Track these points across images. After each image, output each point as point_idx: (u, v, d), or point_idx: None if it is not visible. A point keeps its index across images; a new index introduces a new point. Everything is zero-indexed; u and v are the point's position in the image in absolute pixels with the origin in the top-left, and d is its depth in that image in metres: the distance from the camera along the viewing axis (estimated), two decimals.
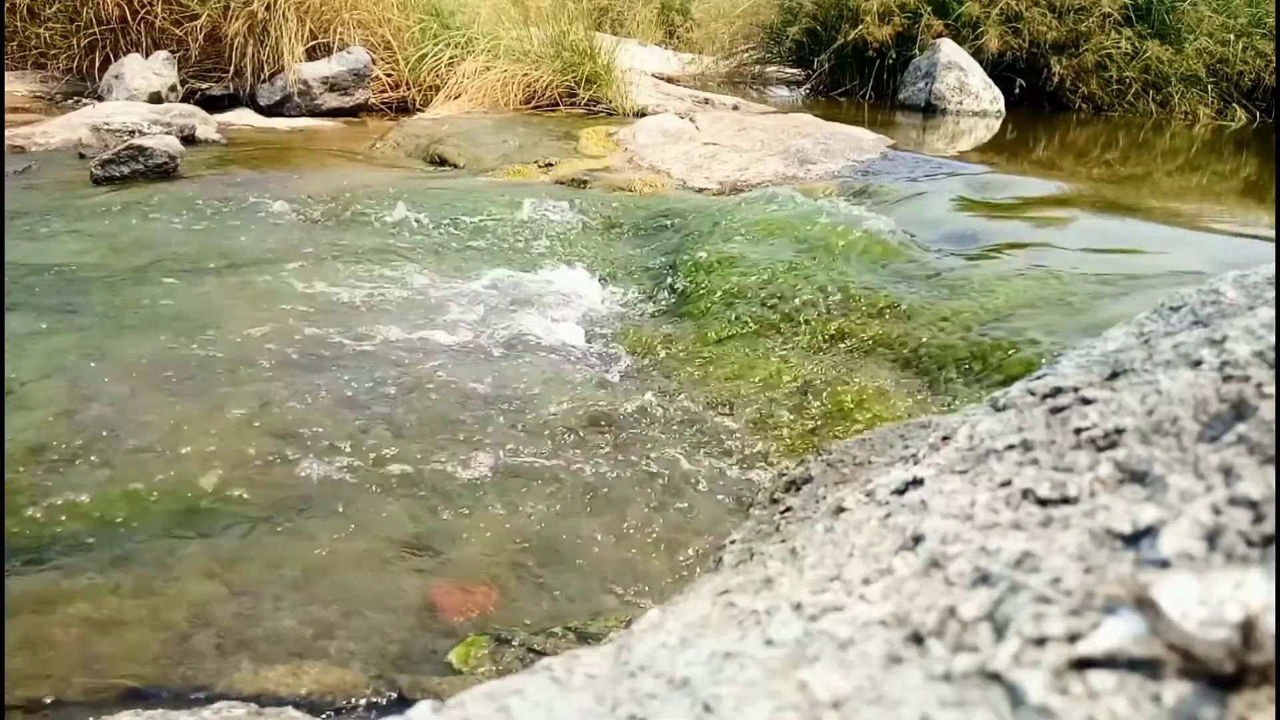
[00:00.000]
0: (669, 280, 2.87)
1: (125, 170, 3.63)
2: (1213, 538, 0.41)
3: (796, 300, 2.56)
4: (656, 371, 2.33)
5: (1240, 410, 0.50)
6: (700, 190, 3.92)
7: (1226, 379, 0.53)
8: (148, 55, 5.19)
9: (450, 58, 5.65)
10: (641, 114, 5.35)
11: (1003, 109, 6.21)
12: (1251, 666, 0.35)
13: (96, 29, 5.28)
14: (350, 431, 1.93)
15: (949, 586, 0.47)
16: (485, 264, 3.01)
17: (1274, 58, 6.18)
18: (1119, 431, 0.54)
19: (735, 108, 5.83)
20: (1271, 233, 3.16)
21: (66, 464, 1.74)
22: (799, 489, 0.85)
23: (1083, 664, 0.38)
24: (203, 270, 2.80)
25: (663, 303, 2.78)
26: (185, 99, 5.14)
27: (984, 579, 0.46)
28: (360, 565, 1.53)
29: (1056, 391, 0.64)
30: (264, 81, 5.42)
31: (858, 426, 1.98)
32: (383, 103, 5.61)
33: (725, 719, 0.42)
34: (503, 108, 5.48)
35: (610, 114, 5.43)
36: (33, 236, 2.96)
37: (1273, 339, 0.55)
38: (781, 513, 0.82)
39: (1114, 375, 0.62)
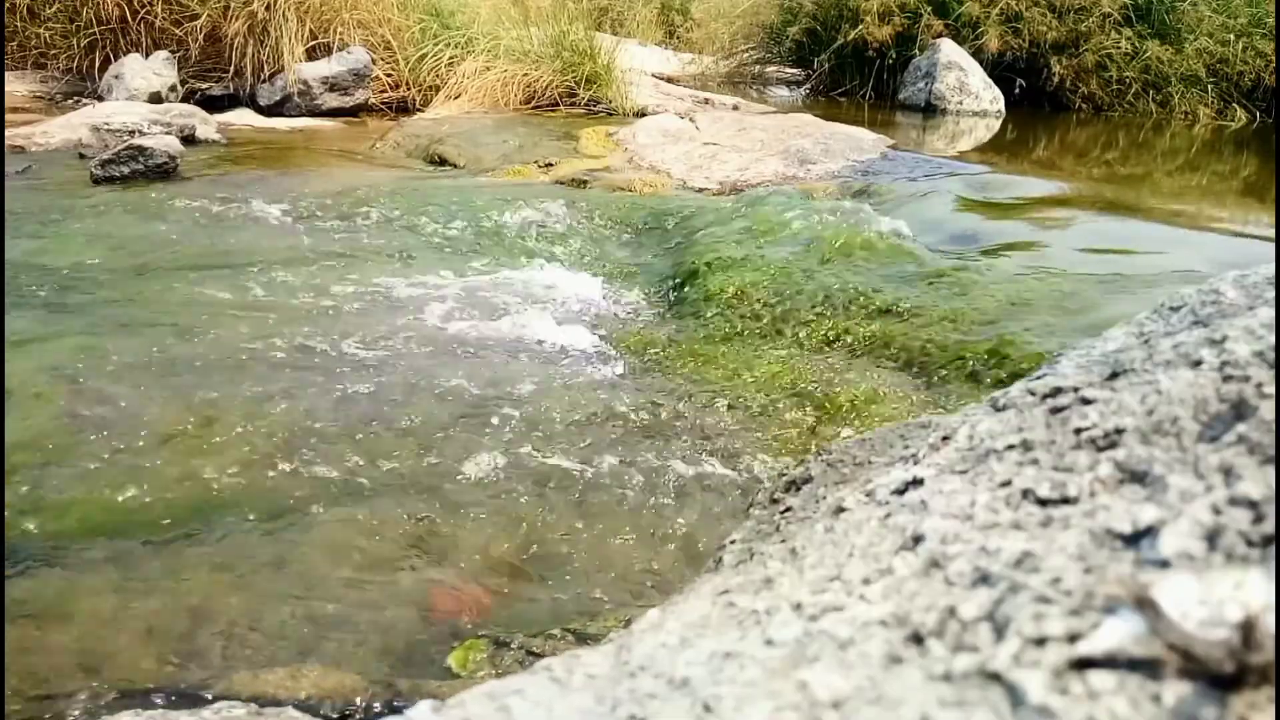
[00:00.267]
0: (669, 280, 2.87)
1: (125, 170, 3.63)
2: (1213, 538, 0.41)
3: (796, 300, 2.56)
4: (656, 371, 2.33)
5: (1240, 410, 0.50)
6: (700, 190, 3.92)
7: (1226, 379, 0.53)
8: (148, 55, 5.19)
9: (450, 58, 5.65)
10: (641, 114, 5.35)
11: (1003, 109, 6.21)
12: (1251, 666, 0.35)
13: (96, 29, 5.28)
14: (350, 431, 1.93)
15: (949, 586, 0.47)
16: (485, 264, 3.01)
17: (1274, 58, 6.18)
18: (1119, 431, 0.54)
19: (735, 108, 5.83)
20: (1271, 233, 3.16)
21: (66, 464, 1.74)
22: (799, 489, 0.85)
23: (1083, 664, 0.38)
24: (203, 270, 2.80)
25: (663, 303, 2.78)
26: (185, 99, 5.14)
27: (984, 579, 0.46)
28: (360, 566, 1.53)
29: (1056, 391, 0.64)
30: (264, 81, 5.42)
31: (857, 426, 1.98)
32: (383, 103, 5.61)
33: (725, 719, 0.42)
34: (503, 108, 5.48)
35: (610, 114, 5.43)
36: (33, 236, 2.97)
37: (1273, 339, 0.55)
38: (781, 513, 0.82)
39: (1114, 375, 0.62)
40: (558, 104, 5.58)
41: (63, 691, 1.23)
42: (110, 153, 3.67)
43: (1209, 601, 0.37)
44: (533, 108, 5.53)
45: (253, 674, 1.28)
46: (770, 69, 7.84)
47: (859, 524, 0.61)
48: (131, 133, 4.19)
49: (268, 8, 5.25)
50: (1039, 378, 0.69)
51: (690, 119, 5.05)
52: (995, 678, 0.39)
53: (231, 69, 5.40)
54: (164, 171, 3.69)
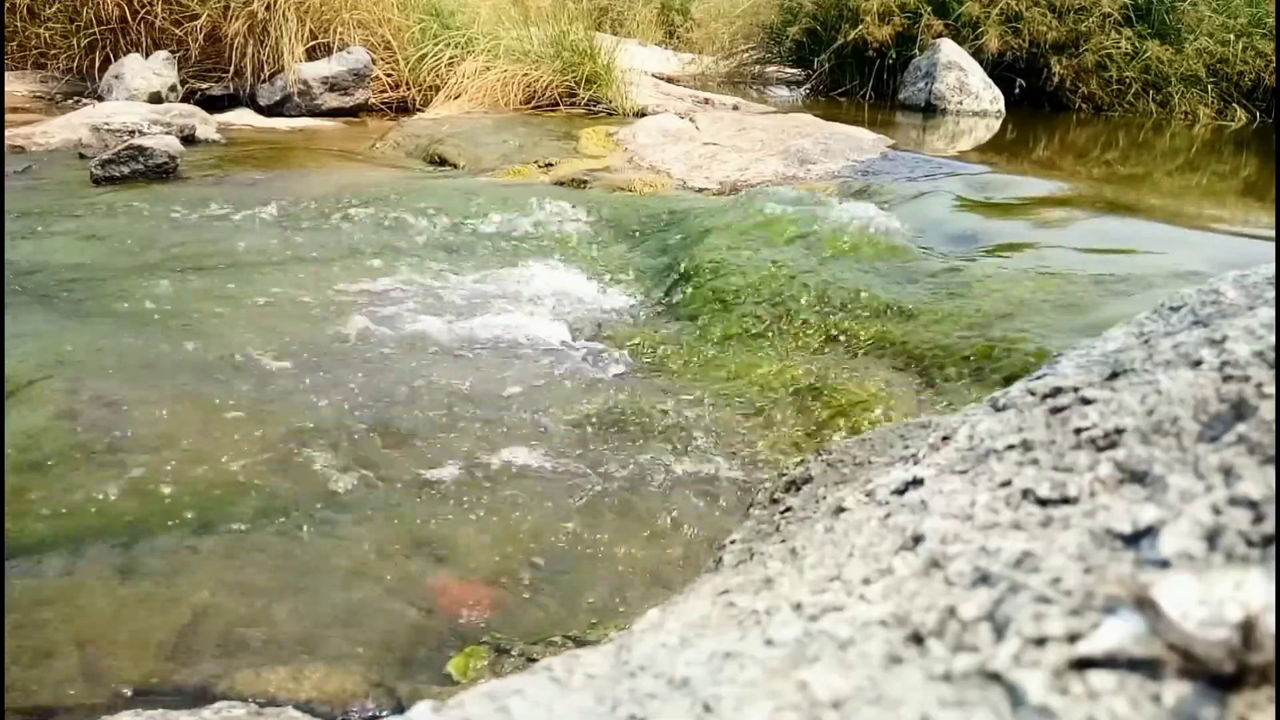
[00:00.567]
0: (669, 280, 2.87)
1: (125, 170, 3.63)
2: (1213, 538, 0.41)
3: (796, 300, 2.56)
4: (656, 372, 2.33)
5: (1240, 410, 0.50)
6: (700, 190, 3.92)
7: (1226, 379, 0.53)
8: (148, 55, 5.19)
9: (450, 58, 5.65)
10: (641, 114, 5.35)
11: (1003, 109, 6.21)
12: (1251, 666, 0.35)
13: (96, 29, 5.28)
14: (350, 432, 1.93)
15: (949, 586, 0.47)
16: (484, 264, 3.01)
17: (1274, 58, 6.18)
18: (1119, 431, 0.54)
19: (735, 108, 5.83)
20: (1271, 233, 3.16)
21: (66, 464, 1.74)
22: (799, 489, 0.85)
23: (1083, 664, 0.38)
24: (203, 270, 2.80)
25: (663, 303, 2.78)
26: (185, 99, 5.14)
27: (984, 579, 0.46)
28: (360, 566, 1.53)
29: (1056, 391, 0.64)
30: (264, 81, 5.42)
31: (858, 426, 1.98)
32: (383, 103, 5.61)
33: (725, 719, 0.42)
34: (503, 108, 5.48)
35: (610, 114, 5.43)
36: (33, 236, 2.97)
37: (1273, 339, 0.55)
38: (781, 513, 0.82)
39: (1114, 375, 0.62)
40: (558, 104, 5.58)
41: (63, 691, 1.23)
42: (110, 153, 3.67)
43: (1209, 601, 0.37)
44: (533, 108, 5.53)
45: (255, 673, 1.28)
46: (770, 69, 7.84)
47: (859, 524, 0.61)
48: (131, 133, 4.19)
49: (268, 8, 5.25)
50: (1039, 378, 0.69)
51: (690, 119, 5.05)
52: (995, 678, 0.39)
53: (231, 69, 5.40)
54: (164, 171, 3.69)
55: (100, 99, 5.01)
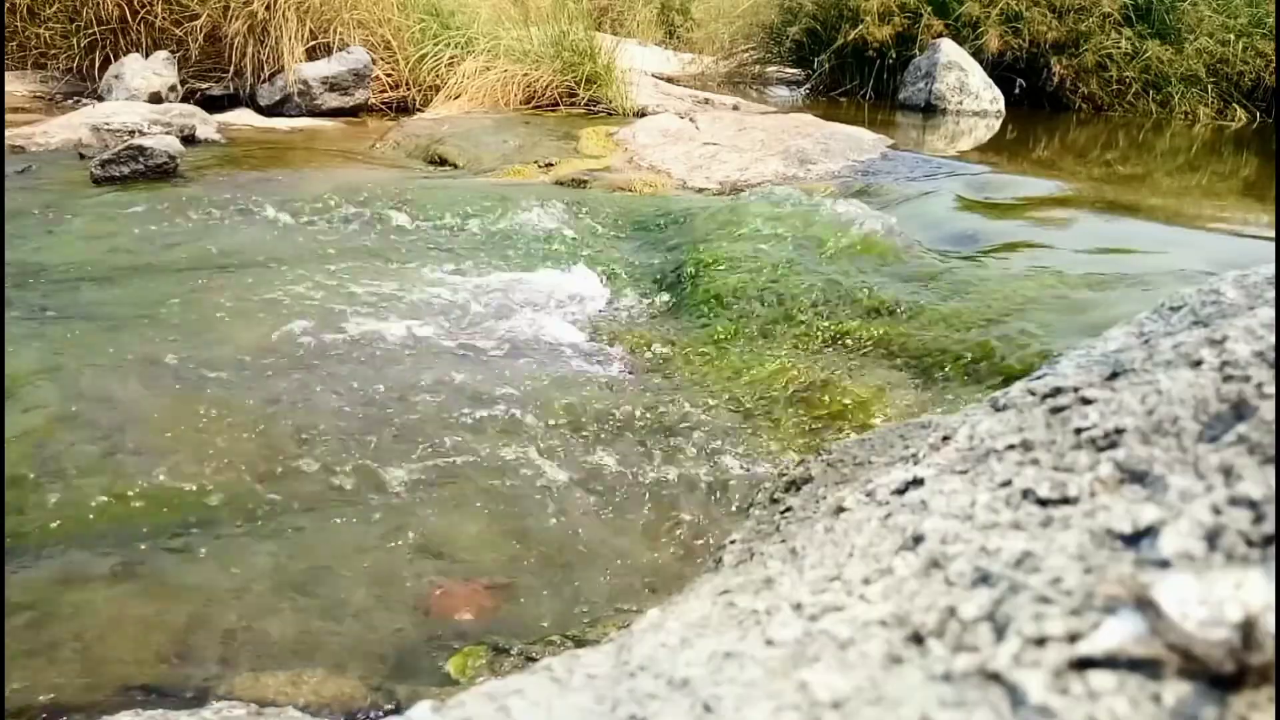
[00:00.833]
0: (669, 280, 2.87)
1: (125, 170, 3.63)
2: (1213, 538, 0.41)
3: (796, 300, 2.56)
4: (656, 372, 2.33)
5: (1240, 410, 0.50)
6: (700, 190, 3.92)
7: (1226, 379, 0.53)
8: (148, 55, 5.19)
9: (450, 58, 5.65)
10: (641, 114, 5.35)
11: (1003, 109, 6.21)
12: (1251, 666, 0.35)
13: (96, 29, 5.28)
14: (350, 432, 1.93)
15: (949, 586, 0.47)
16: (485, 264, 3.01)
17: (1274, 58, 6.18)
18: (1119, 431, 0.54)
19: (735, 108, 5.83)
20: (1271, 233, 3.16)
21: (66, 464, 1.74)
22: (799, 489, 0.85)
23: (1083, 664, 0.38)
24: (203, 270, 2.80)
25: (663, 303, 2.78)
26: (185, 99, 5.14)
27: (984, 579, 0.46)
28: (360, 566, 1.53)
29: (1056, 391, 0.64)
30: (264, 81, 5.42)
31: (858, 426, 1.98)
32: (383, 103, 5.61)
33: (726, 719, 0.42)
34: (503, 108, 5.48)
35: (610, 114, 5.43)
36: (33, 236, 2.97)
37: (1273, 339, 0.55)
38: (781, 513, 0.82)
39: (1114, 375, 0.62)
40: (558, 104, 5.58)
41: (63, 691, 1.23)
42: (110, 153, 3.67)
43: (1209, 601, 0.37)
44: (533, 108, 5.53)
45: (254, 677, 1.28)
46: (770, 69, 7.84)
47: (859, 524, 0.61)
48: (131, 133, 4.19)
49: (268, 8, 5.25)
50: (1039, 378, 0.69)
51: (690, 119, 5.05)
52: (995, 678, 0.39)
53: (231, 69, 5.40)
54: (164, 171, 3.69)
55: (100, 99, 5.01)
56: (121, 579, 1.46)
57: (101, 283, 2.65)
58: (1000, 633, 0.41)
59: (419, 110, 5.54)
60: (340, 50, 5.45)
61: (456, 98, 5.53)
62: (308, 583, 1.48)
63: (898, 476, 0.65)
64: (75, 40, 5.32)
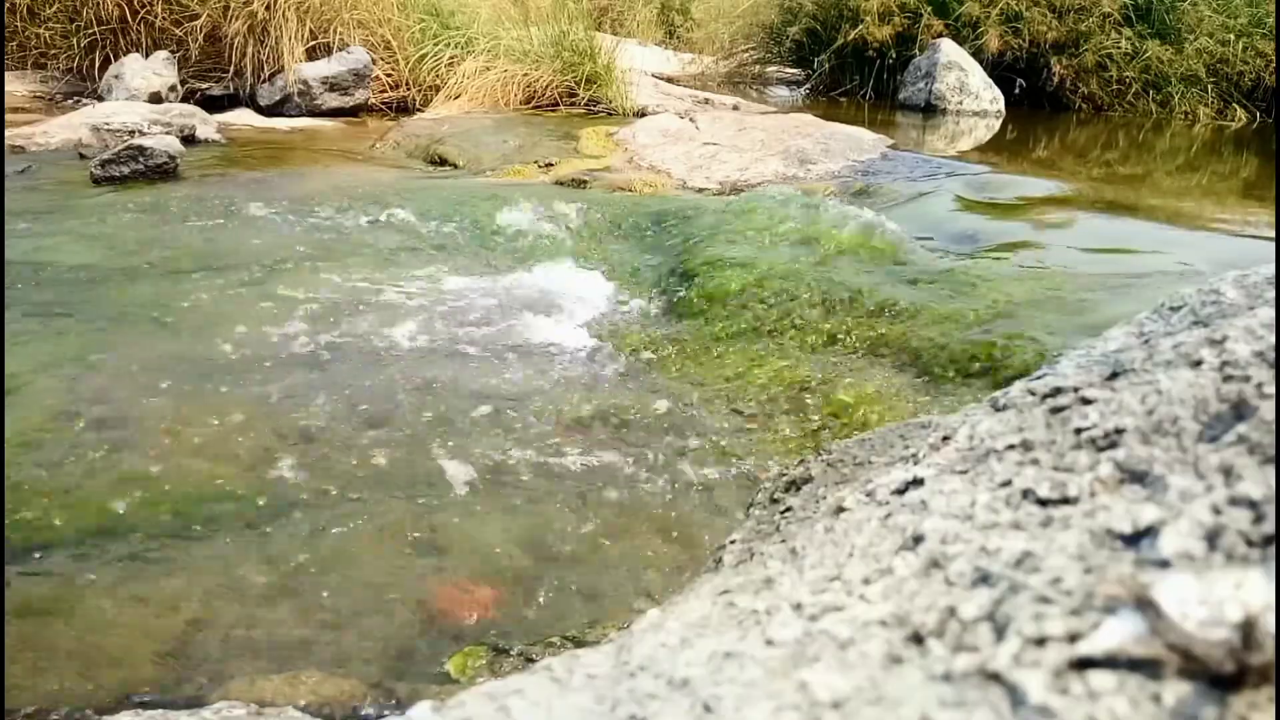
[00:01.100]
0: (669, 280, 2.87)
1: (125, 170, 3.63)
2: (1213, 538, 0.41)
3: (796, 300, 2.56)
4: (656, 372, 2.33)
5: (1240, 410, 0.50)
6: (700, 190, 3.92)
7: (1227, 379, 0.53)
8: (148, 55, 5.19)
9: (450, 58, 5.65)
10: (641, 114, 5.35)
11: (1003, 109, 6.21)
12: (1251, 666, 0.35)
13: (96, 29, 5.28)
14: (350, 432, 1.93)
15: (949, 586, 0.47)
16: (485, 264, 3.01)
17: (1274, 58, 6.18)
18: (1119, 431, 0.54)
19: (735, 108, 5.83)
20: (1271, 233, 3.16)
21: (66, 464, 1.74)
22: (799, 489, 0.85)
23: (1083, 664, 0.38)
24: (203, 270, 2.80)
25: (663, 303, 2.78)
26: (185, 99, 5.14)
27: (984, 579, 0.46)
28: (359, 567, 1.53)
29: (1056, 391, 0.64)
30: (264, 81, 5.42)
31: (858, 426, 1.98)
32: (383, 103, 5.61)
33: (725, 719, 0.42)
34: (503, 108, 5.48)
35: (610, 114, 5.43)
36: (33, 236, 2.97)
37: (1273, 339, 0.55)
38: (781, 513, 0.82)
39: (1114, 375, 0.62)
40: (558, 104, 5.58)
41: (63, 691, 1.23)
42: (110, 153, 3.67)
43: (1209, 601, 0.37)
44: (533, 108, 5.53)
45: (254, 675, 1.28)
46: (770, 69, 7.84)
47: (859, 524, 0.61)
48: (131, 133, 4.19)
49: (268, 8, 5.25)
50: (1039, 378, 0.69)
51: (690, 119, 5.05)
52: (995, 678, 0.39)
53: (231, 69, 5.40)
54: (164, 171, 3.69)
55: (100, 99, 5.01)
56: (121, 579, 1.46)
57: (101, 282, 2.65)
58: (1000, 633, 0.41)
59: (419, 110, 5.54)
60: (340, 50, 5.45)
61: (456, 98, 5.52)
62: (308, 582, 1.48)
63: (898, 476, 0.65)
64: (75, 40, 5.32)
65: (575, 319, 2.64)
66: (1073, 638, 0.39)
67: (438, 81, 5.63)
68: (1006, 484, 0.55)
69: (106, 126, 4.29)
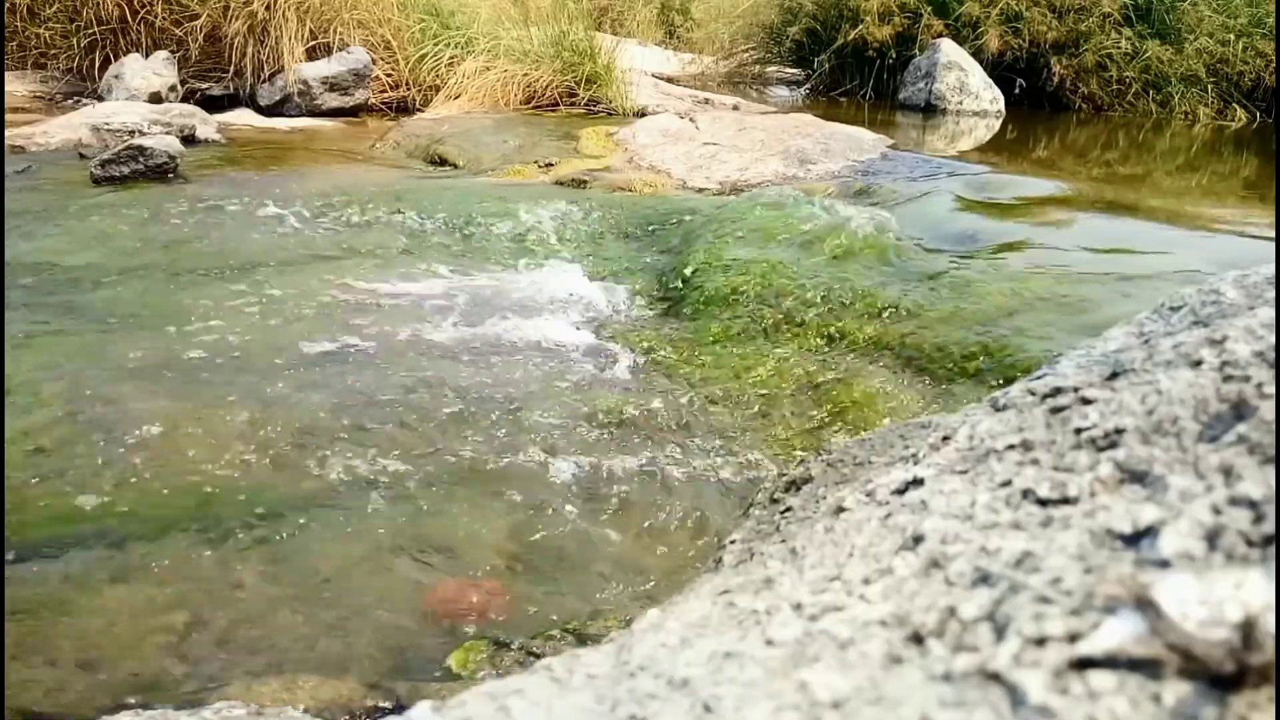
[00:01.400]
0: (669, 280, 2.87)
1: (125, 170, 3.63)
2: (1213, 538, 0.41)
3: (796, 300, 2.56)
4: (656, 371, 2.33)
5: (1240, 410, 0.50)
6: (700, 190, 3.92)
7: (1226, 379, 0.53)
8: (148, 55, 5.19)
9: (450, 58, 5.65)
10: (641, 114, 5.35)
11: (1003, 109, 6.21)
12: (1251, 666, 0.35)
13: (96, 29, 5.28)
14: (350, 432, 1.93)
15: (949, 586, 0.47)
16: (485, 264, 3.01)
17: (1274, 58, 6.18)
18: (1119, 431, 0.54)
19: (735, 108, 5.83)
20: (1271, 233, 3.16)
21: (66, 464, 1.74)
22: (799, 489, 0.85)
23: (1083, 664, 0.38)
24: (202, 270, 2.80)
25: (663, 303, 2.78)
26: (185, 99, 5.14)
27: (984, 579, 0.46)
28: (359, 567, 1.53)
29: (1056, 391, 0.64)
30: (264, 81, 5.42)
31: (858, 426, 1.98)
32: (383, 103, 5.61)
33: (725, 719, 0.42)
34: (503, 108, 5.48)
35: (610, 114, 5.43)
36: (33, 236, 2.96)
37: (1273, 339, 0.55)
38: (781, 513, 0.82)
39: (1114, 375, 0.62)
40: (558, 104, 5.58)
41: (63, 691, 1.23)
42: (110, 153, 3.67)
43: (1209, 601, 0.37)
44: (533, 108, 5.53)
45: (255, 674, 1.28)
46: (770, 69, 7.84)
47: (859, 524, 0.61)
48: (131, 133, 4.19)
49: (268, 8, 5.25)
50: (1039, 378, 0.69)
51: (690, 119, 5.05)
52: (995, 678, 0.39)
53: (231, 69, 5.40)
54: (164, 171, 3.69)
55: (100, 99, 5.01)
56: (121, 579, 1.46)
57: (101, 283, 2.65)
58: (1000, 633, 0.41)
59: (419, 110, 5.54)
60: (340, 50, 5.44)
61: (456, 98, 5.52)
62: (308, 582, 1.48)
63: (898, 476, 0.65)
64: (75, 40, 5.32)
65: (574, 319, 2.64)
66: (1073, 638, 0.39)
67: (438, 81, 5.63)
68: (1006, 484, 0.55)
69: (106, 126, 4.29)
